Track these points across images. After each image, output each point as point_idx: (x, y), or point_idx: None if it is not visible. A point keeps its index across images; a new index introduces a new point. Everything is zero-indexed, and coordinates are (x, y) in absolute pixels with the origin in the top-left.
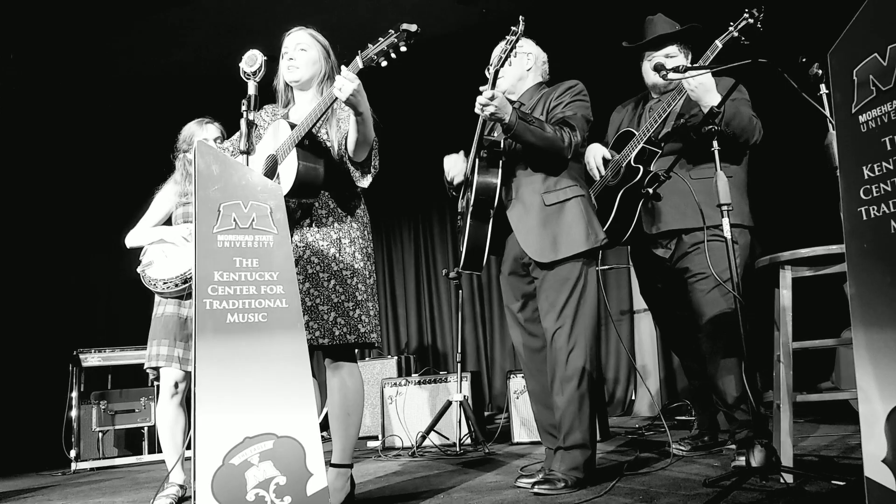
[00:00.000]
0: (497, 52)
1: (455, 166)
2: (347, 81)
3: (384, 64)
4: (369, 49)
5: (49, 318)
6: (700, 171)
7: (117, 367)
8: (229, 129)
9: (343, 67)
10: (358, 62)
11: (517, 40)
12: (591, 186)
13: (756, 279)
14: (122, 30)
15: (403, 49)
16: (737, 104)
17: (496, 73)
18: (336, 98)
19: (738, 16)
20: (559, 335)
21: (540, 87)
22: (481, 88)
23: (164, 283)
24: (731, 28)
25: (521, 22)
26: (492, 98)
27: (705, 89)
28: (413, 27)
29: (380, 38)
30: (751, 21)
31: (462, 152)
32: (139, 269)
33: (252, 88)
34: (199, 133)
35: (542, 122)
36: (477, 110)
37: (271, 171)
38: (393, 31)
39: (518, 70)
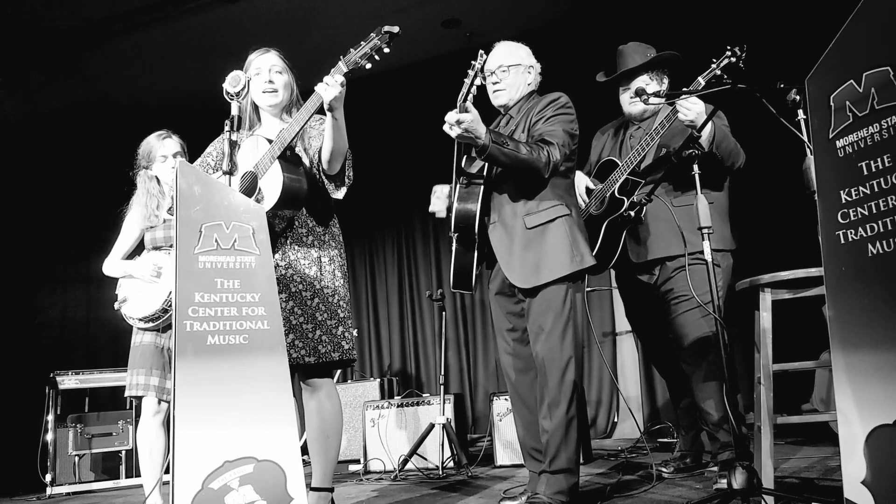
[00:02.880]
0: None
1: (439, 204)
2: (334, 83)
3: (368, 66)
4: (352, 53)
5: (24, 339)
6: (683, 199)
7: (95, 389)
8: (194, 149)
9: (330, 74)
10: (342, 66)
11: (475, 76)
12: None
13: (739, 302)
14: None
15: (386, 50)
16: (721, 128)
17: (461, 105)
18: (319, 103)
19: (720, 48)
20: (547, 360)
21: (529, 98)
22: (447, 117)
23: (142, 321)
24: (713, 66)
25: (480, 57)
26: (459, 122)
27: (698, 115)
28: (395, 29)
29: (361, 42)
30: (733, 60)
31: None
32: (116, 306)
33: (235, 109)
34: (158, 147)
35: (517, 143)
36: (445, 129)
37: (251, 188)
38: (375, 35)
39: (521, 83)
